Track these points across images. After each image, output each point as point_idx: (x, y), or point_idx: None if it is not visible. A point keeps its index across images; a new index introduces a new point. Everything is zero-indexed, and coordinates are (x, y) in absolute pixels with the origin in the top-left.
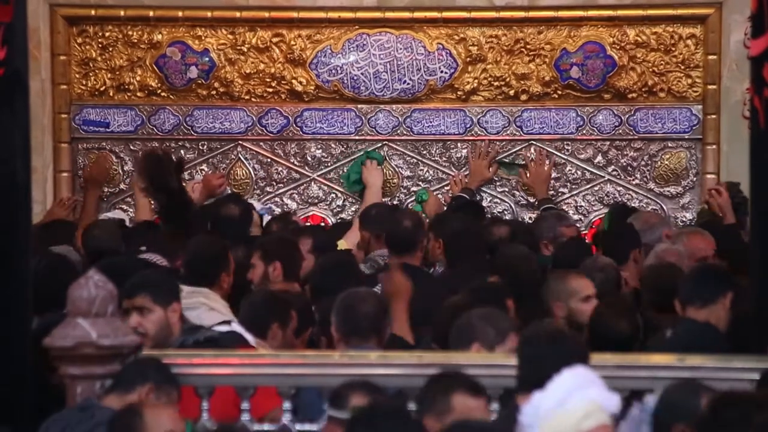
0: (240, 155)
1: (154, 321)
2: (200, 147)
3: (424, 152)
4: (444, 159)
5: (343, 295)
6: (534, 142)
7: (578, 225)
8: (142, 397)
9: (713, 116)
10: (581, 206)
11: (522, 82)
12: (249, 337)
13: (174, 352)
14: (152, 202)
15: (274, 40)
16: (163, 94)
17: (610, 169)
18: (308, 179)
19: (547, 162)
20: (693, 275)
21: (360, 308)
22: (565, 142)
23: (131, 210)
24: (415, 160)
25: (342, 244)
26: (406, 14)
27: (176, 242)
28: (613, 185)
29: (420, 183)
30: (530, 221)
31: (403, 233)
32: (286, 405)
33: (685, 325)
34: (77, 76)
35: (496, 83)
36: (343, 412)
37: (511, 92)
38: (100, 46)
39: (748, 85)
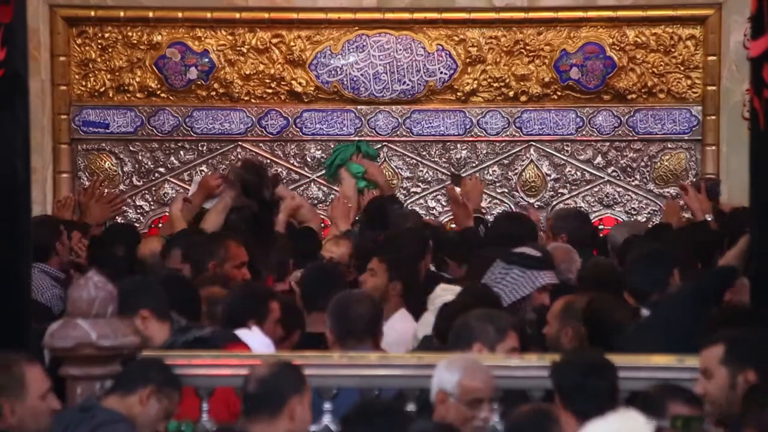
0: (240, 156)
1: None
2: (200, 148)
3: (424, 153)
4: (444, 160)
5: (337, 297)
6: (533, 143)
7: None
8: (143, 398)
9: (713, 117)
10: (581, 207)
11: (521, 83)
12: (252, 335)
13: (174, 353)
14: (233, 210)
15: (274, 41)
16: (162, 95)
17: (609, 170)
18: (308, 180)
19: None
20: (637, 266)
21: (354, 310)
22: (564, 143)
23: (130, 211)
24: (415, 161)
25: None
26: (406, 15)
27: (259, 253)
28: (612, 186)
29: (419, 184)
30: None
31: None
32: None
33: (662, 303)
34: (77, 77)
35: (495, 84)
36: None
37: (511, 93)
38: (99, 47)
39: (747, 86)
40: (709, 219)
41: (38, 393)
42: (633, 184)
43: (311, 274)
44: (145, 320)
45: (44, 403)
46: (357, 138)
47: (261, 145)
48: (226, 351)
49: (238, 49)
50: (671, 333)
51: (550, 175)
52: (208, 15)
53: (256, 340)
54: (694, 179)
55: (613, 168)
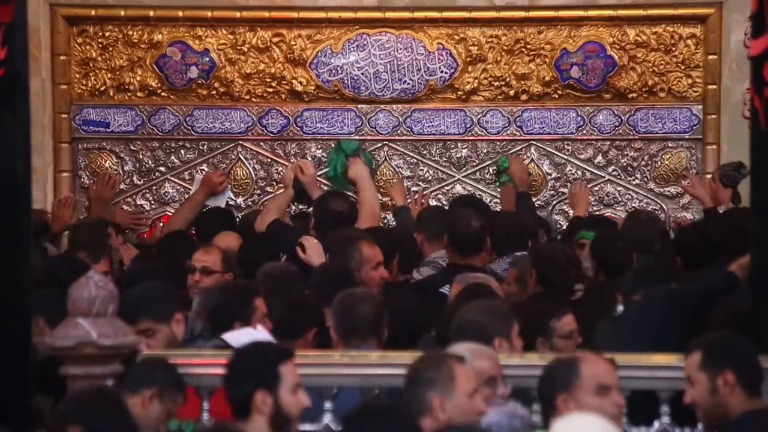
0: (240, 155)
1: (160, 339)
2: (200, 147)
3: (424, 152)
4: (444, 159)
5: (341, 296)
6: (534, 142)
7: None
8: (146, 400)
9: (713, 116)
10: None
11: (522, 82)
12: (257, 334)
13: (175, 352)
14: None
15: (275, 40)
16: (163, 94)
17: (610, 169)
18: None
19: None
20: (633, 273)
21: (358, 309)
22: (565, 142)
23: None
24: (415, 160)
25: None
26: (407, 14)
27: None
28: (613, 185)
29: (420, 183)
30: None
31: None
32: None
33: (636, 302)
34: (77, 76)
35: (496, 83)
36: None
37: (512, 92)
38: (100, 46)
39: (748, 85)
40: (721, 209)
41: (466, 391)
42: (634, 183)
43: (321, 271)
44: (179, 323)
45: (471, 402)
46: (357, 137)
47: (261, 144)
48: None
49: (239, 48)
50: (636, 330)
51: (550, 174)
52: (209, 14)
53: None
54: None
55: (613, 167)
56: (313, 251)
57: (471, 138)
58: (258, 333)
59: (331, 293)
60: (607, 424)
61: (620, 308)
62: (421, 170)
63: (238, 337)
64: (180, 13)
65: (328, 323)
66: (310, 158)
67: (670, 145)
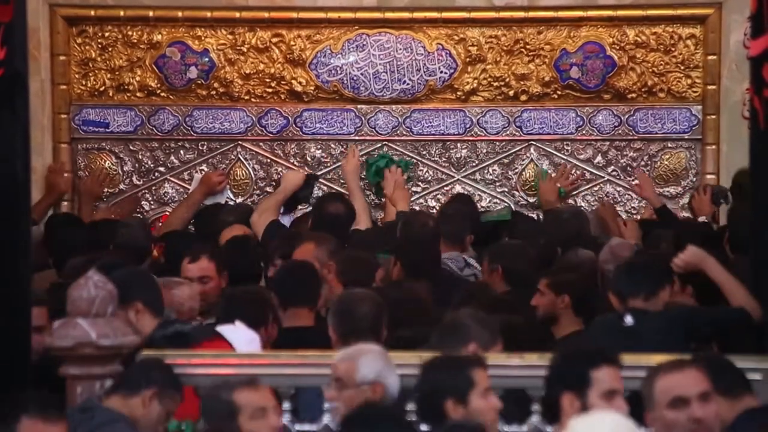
0: (240, 155)
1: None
2: (200, 147)
3: (424, 152)
4: (444, 159)
5: (341, 296)
6: (534, 143)
7: None
8: (146, 400)
9: (713, 116)
10: (581, 206)
11: (522, 82)
12: (235, 330)
13: (174, 352)
14: None
15: (274, 40)
16: (162, 94)
17: (609, 170)
18: None
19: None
20: (626, 270)
21: (358, 309)
22: (564, 143)
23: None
24: (415, 161)
25: None
26: (406, 14)
27: None
28: (612, 185)
29: (419, 183)
30: None
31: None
32: (286, 405)
33: (651, 317)
34: (77, 76)
35: (495, 83)
36: None
37: (511, 92)
38: (99, 46)
39: (747, 86)
40: (703, 219)
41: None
42: (633, 183)
43: (284, 270)
44: (138, 313)
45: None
46: (357, 138)
47: (261, 144)
48: (203, 346)
49: (238, 48)
50: (650, 346)
51: (550, 175)
52: (208, 14)
53: (240, 335)
54: (695, 179)
55: (613, 167)
56: None
57: (470, 138)
58: (237, 329)
59: (293, 292)
60: (626, 422)
61: (629, 319)
62: (420, 170)
63: (230, 332)
64: (179, 14)
65: (285, 323)
66: (309, 158)
67: (669, 145)
